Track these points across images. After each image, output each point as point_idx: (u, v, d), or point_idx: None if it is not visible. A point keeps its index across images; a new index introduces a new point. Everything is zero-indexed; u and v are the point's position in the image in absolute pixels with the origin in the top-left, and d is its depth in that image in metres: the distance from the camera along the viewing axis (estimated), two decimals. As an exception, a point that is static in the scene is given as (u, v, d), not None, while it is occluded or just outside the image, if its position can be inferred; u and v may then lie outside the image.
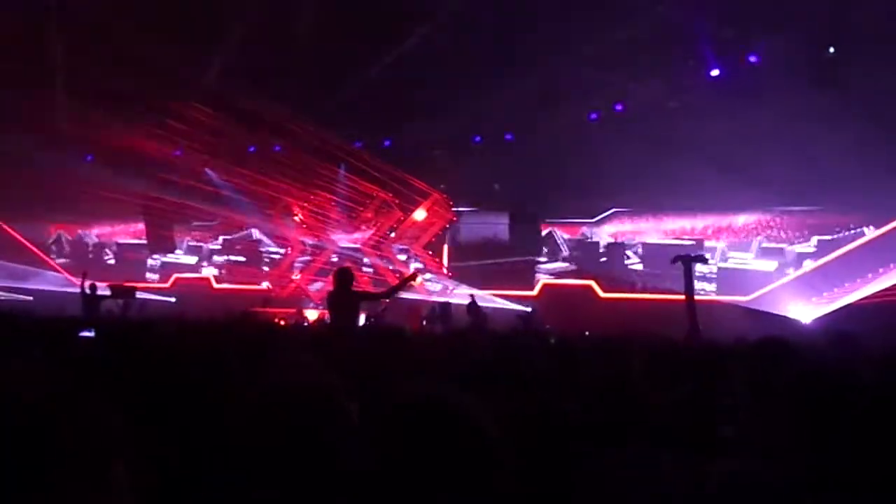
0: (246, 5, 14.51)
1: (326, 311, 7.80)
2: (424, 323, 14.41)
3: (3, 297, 17.76)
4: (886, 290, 13.46)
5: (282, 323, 14.80)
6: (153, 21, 13.71)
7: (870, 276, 14.09)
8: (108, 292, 14.10)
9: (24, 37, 13.43)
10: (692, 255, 11.12)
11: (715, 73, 14.35)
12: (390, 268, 18.83)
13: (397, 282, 18.04)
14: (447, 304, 14.99)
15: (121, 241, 21.73)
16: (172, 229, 20.67)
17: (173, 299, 19.11)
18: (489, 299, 16.31)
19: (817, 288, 14.72)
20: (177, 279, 20.34)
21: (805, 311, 14.54)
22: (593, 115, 16.09)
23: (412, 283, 8.37)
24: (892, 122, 12.10)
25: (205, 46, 15.15)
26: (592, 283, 17.11)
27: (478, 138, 17.21)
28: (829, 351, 5.99)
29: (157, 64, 14.16)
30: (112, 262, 21.34)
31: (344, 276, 7.20)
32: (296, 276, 19.59)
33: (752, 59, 13.96)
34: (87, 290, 13.42)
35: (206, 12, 14.00)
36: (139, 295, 15.33)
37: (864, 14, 12.22)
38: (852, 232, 15.03)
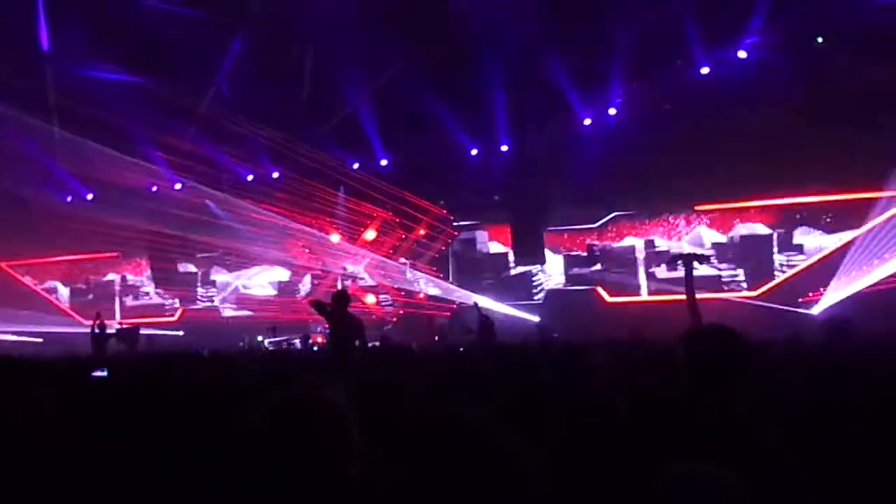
0: (239, 31, 14.66)
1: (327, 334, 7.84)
2: (437, 338, 14.41)
3: (12, 341, 17.78)
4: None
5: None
6: (147, 49, 13.85)
7: (876, 262, 14.06)
8: (113, 330, 14.20)
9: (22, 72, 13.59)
10: (693, 254, 11.11)
11: (705, 70, 14.41)
12: (396, 287, 18.84)
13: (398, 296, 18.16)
14: (455, 317, 15.01)
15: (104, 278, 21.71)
16: (176, 263, 20.74)
17: (181, 333, 19.16)
18: (495, 310, 16.28)
19: (823, 279, 14.69)
20: (184, 311, 20.38)
21: (814, 303, 14.51)
22: (587, 121, 16.14)
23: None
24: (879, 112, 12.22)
25: (199, 74, 15.30)
26: (598, 288, 17.09)
27: (475, 151, 17.26)
28: (826, 342, 6.00)
29: (157, 96, 14.35)
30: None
31: (341, 299, 7.32)
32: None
33: (742, 54, 14.03)
34: (97, 330, 13.52)
35: (200, 39, 14.12)
36: (144, 331, 15.46)
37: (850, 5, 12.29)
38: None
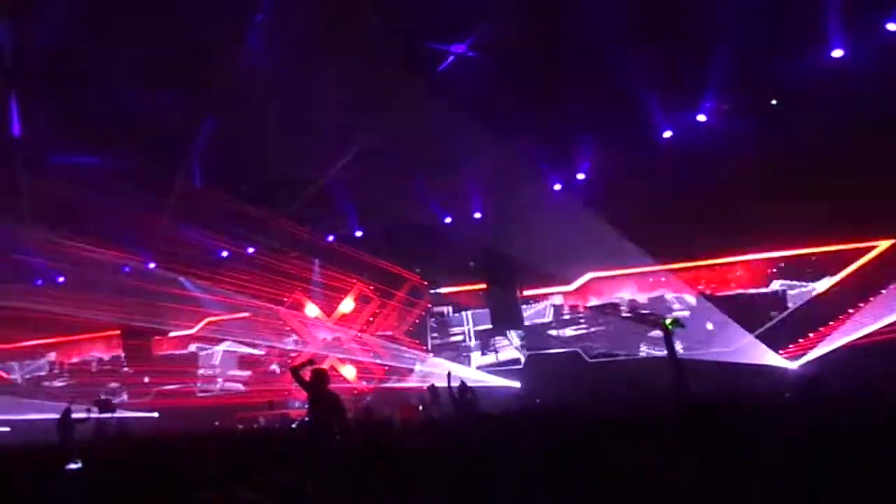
0: (210, 110, 14.84)
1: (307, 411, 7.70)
2: (421, 408, 14.18)
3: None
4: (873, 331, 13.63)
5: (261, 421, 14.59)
6: (119, 132, 13.93)
7: (842, 317, 14.32)
8: (83, 415, 13.79)
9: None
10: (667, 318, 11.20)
11: (667, 134, 14.88)
12: (375, 359, 18.64)
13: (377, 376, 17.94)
14: (434, 387, 14.83)
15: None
16: (150, 341, 20.39)
17: (156, 414, 18.68)
18: (475, 379, 16.15)
19: (792, 335, 14.89)
20: (157, 392, 19.90)
21: (793, 357, 14.64)
22: (557, 186, 16.47)
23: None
24: (836, 166, 12.69)
25: (172, 155, 15.38)
26: (578, 349, 17.09)
27: (448, 219, 17.45)
28: (799, 400, 6.14)
29: (128, 176, 14.36)
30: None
31: (319, 378, 7.25)
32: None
33: (701, 117, 14.54)
34: (62, 418, 13.18)
35: (171, 120, 14.25)
36: (118, 414, 15.07)
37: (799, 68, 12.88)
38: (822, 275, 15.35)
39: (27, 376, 21.33)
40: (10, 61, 13.20)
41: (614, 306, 17.20)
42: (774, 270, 15.99)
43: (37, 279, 19.13)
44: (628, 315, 16.85)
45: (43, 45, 12.88)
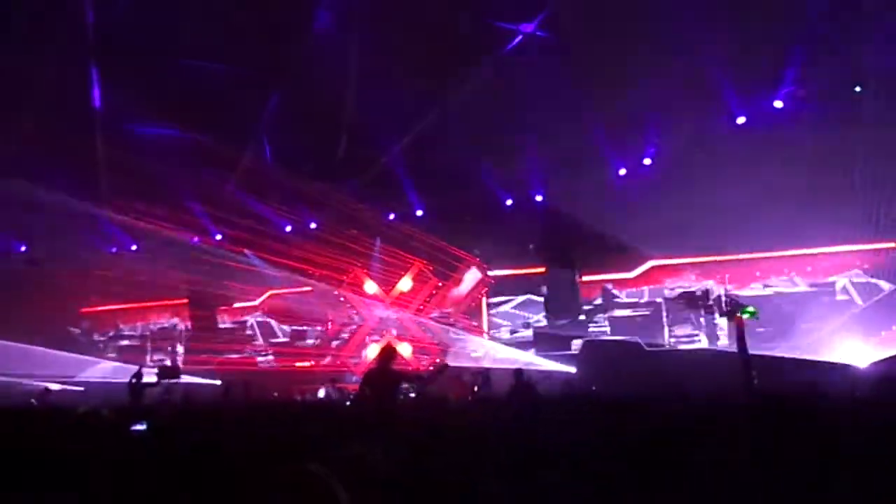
0: (278, 87, 15.11)
1: (363, 386, 7.69)
2: (477, 389, 14.24)
3: (58, 389, 18.07)
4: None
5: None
6: (187, 107, 14.31)
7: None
8: (153, 379, 14.26)
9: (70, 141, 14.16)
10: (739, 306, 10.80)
11: (741, 120, 14.37)
12: (431, 337, 18.75)
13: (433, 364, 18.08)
14: (488, 370, 14.86)
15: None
16: (215, 311, 21.01)
17: (219, 382, 19.26)
18: (528, 361, 16.07)
19: (870, 328, 14.22)
20: (220, 361, 20.52)
21: (861, 353, 14.00)
22: (622, 171, 16.15)
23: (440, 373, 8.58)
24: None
25: (240, 130, 15.73)
26: (637, 337, 16.77)
27: (509, 201, 17.34)
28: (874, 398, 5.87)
29: (196, 149, 14.78)
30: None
31: (388, 354, 7.29)
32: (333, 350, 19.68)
33: (777, 104, 13.98)
34: (133, 380, 13.65)
35: (240, 95, 14.56)
36: (183, 379, 15.57)
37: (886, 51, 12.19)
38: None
39: (100, 339, 22.31)
40: (91, 36, 13.71)
41: (687, 295, 16.74)
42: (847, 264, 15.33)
43: (112, 247, 19.94)
44: (701, 304, 16.37)
45: (122, 21, 13.32)
